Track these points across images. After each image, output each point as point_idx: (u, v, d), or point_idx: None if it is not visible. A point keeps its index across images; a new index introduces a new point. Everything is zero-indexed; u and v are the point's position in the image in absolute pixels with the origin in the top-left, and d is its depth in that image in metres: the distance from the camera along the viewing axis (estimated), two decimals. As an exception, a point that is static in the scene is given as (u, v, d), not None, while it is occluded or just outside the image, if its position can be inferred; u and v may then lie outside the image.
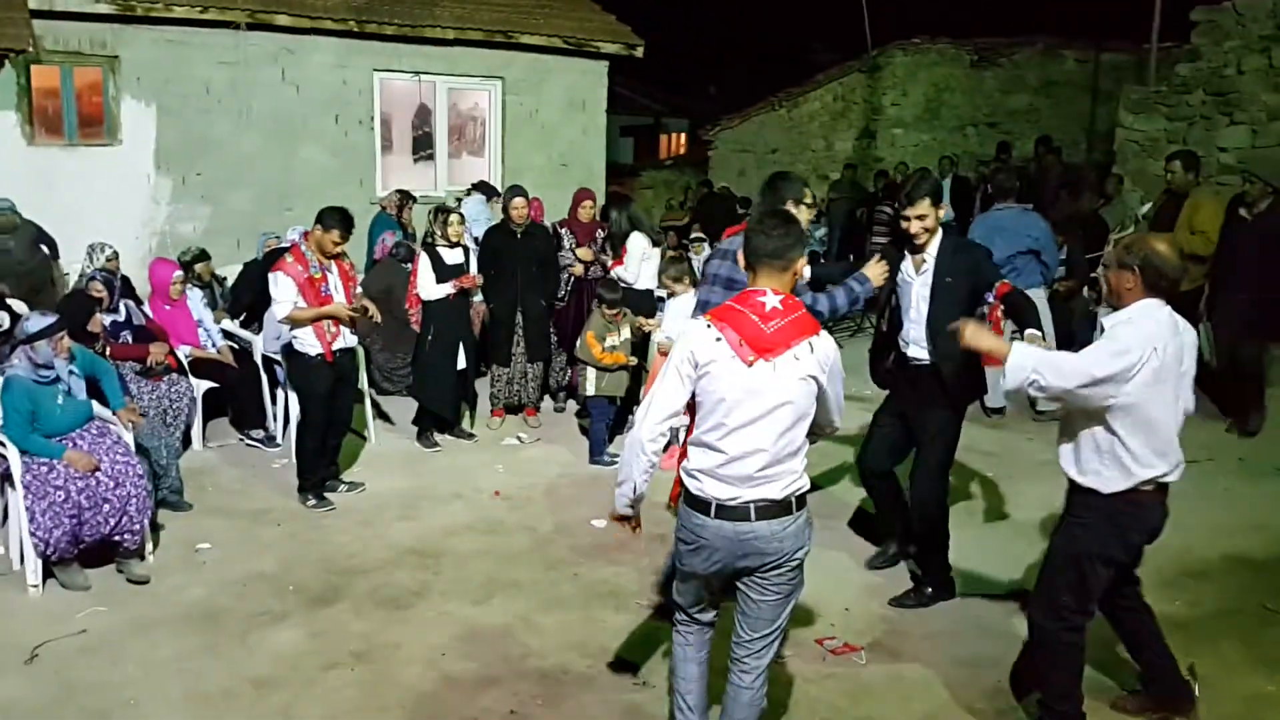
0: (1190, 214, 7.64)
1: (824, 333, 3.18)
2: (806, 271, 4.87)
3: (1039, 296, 7.57)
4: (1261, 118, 10.86)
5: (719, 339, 3.12)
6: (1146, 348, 3.40)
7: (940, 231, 4.76)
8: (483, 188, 10.05)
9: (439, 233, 6.99)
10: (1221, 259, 7.40)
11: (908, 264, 4.83)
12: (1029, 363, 3.51)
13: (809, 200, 4.55)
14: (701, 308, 4.48)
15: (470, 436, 7.41)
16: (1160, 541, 5.32)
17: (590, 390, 6.88)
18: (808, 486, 3.23)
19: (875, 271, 4.70)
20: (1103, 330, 3.62)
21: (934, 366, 4.69)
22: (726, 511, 3.16)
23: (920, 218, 4.66)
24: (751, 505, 3.14)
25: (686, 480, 3.28)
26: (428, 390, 7.16)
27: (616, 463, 6.70)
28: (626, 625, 4.66)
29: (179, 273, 7.18)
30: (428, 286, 6.92)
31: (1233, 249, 7.29)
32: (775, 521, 3.16)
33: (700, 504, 3.21)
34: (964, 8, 20.89)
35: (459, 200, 9.83)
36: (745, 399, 3.09)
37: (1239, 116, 10.99)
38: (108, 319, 6.50)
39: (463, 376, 7.18)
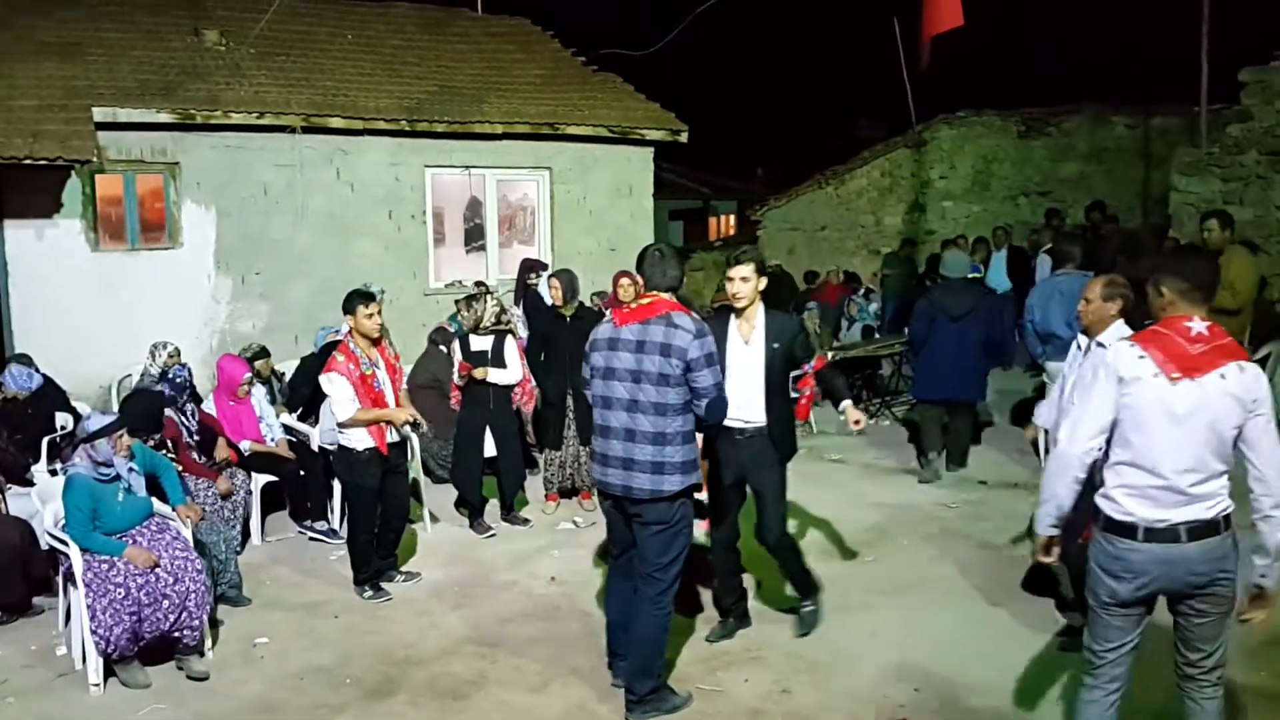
0: (1224, 270, 7.59)
1: (1248, 363, 3.24)
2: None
3: None
4: (1320, 174, 10.69)
5: (1142, 357, 3.26)
6: None
7: (761, 304, 4.99)
8: (529, 266, 10.00)
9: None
10: None
11: (734, 333, 5.02)
12: None
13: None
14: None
15: (525, 522, 7.37)
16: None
17: None
18: (1233, 507, 3.28)
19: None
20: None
21: (767, 429, 4.97)
22: (1156, 534, 3.25)
23: (744, 279, 4.90)
24: (1182, 527, 3.24)
25: (1106, 505, 3.34)
26: (454, 474, 7.41)
27: None
28: (689, 710, 4.54)
29: (249, 374, 7.28)
30: (456, 373, 7.17)
31: None
32: (1207, 541, 3.24)
33: (1125, 529, 3.30)
34: (1008, 79, 20.95)
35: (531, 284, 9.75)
36: (1169, 415, 3.21)
37: (1295, 174, 10.84)
38: (191, 425, 6.63)
39: (493, 463, 7.25)
